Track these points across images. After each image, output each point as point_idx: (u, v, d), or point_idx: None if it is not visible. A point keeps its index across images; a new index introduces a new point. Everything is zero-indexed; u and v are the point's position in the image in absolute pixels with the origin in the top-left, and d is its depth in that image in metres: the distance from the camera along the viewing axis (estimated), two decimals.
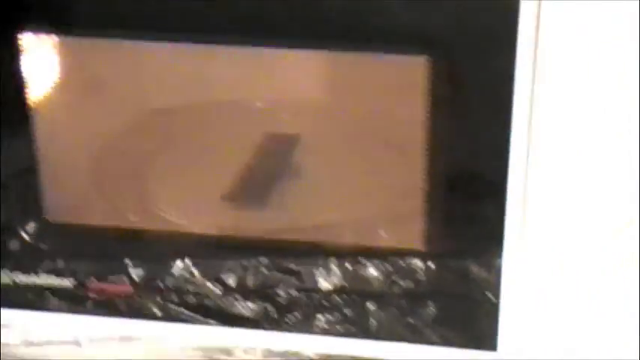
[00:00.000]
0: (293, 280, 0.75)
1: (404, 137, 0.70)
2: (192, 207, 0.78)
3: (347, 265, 0.74)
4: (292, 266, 0.75)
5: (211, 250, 0.76)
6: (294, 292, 0.75)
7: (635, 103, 0.64)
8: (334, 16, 0.66)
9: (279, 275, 0.75)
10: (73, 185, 0.78)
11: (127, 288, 0.77)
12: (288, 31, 0.68)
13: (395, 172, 0.73)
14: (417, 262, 0.72)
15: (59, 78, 0.75)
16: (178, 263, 0.76)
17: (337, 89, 0.72)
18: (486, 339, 0.73)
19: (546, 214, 0.69)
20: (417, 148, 0.69)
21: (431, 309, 0.73)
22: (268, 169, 0.77)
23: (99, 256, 0.77)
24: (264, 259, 0.75)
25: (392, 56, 0.67)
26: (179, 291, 0.77)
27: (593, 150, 0.66)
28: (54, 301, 0.78)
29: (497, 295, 0.71)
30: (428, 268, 0.72)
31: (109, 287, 0.77)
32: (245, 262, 0.75)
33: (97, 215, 0.78)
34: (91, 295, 0.77)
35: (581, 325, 0.71)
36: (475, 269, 0.71)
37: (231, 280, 0.76)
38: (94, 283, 0.77)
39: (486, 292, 0.72)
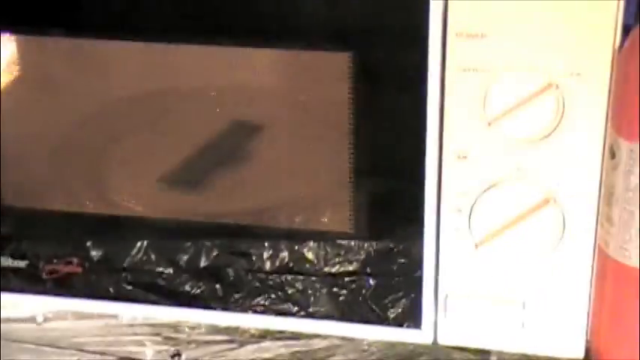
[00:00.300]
0: (241, 261, 0.78)
1: (332, 124, 0.74)
2: (145, 193, 0.81)
3: (287, 246, 0.77)
4: (241, 248, 0.78)
5: (166, 233, 0.79)
6: (241, 273, 0.78)
7: None
8: (269, 18, 0.71)
9: (228, 257, 0.78)
10: (31, 172, 0.81)
11: (78, 268, 0.81)
12: (230, 31, 0.72)
13: (325, 159, 0.76)
14: (348, 244, 0.76)
15: (14, 74, 0.78)
16: (133, 246, 0.79)
17: (277, 81, 0.76)
18: (412, 318, 0.77)
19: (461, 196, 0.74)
20: (344, 135, 0.73)
21: (363, 288, 0.77)
22: (213, 155, 0.78)
23: (54, 239, 0.81)
24: (215, 242, 0.78)
25: (319, 52, 0.72)
26: (133, 272, 0.79)
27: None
28: (14, 281, 0.81)
29: (420, 274, 0.75)
30: (358, 248, 0.77)
31: (62, 268, 0.81)
32: (198, 245, 0.78)
33: (55, 201, 0.81)
34: (46, 275, 0.81)
35: (506, 312, 0.75)
36: (399, 249, 0.75)
37: (183, 262, 0.79)
38: (48, 265, 0.81)
39: (410, 272, 0.75)
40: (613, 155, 0.70)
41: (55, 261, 0.81)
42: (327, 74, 0.73)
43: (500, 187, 0.72)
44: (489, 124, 0.71)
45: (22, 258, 0.81)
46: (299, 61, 0.74)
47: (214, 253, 0.79)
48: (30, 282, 0.82)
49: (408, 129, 0.72)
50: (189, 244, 0.79)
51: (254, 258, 0.78)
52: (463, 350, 0.78)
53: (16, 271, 0.81)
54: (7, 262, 0.81)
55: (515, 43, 0.68)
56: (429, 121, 0.71)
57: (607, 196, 0.71)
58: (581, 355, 0.75)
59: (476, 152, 0.72)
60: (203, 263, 0.79)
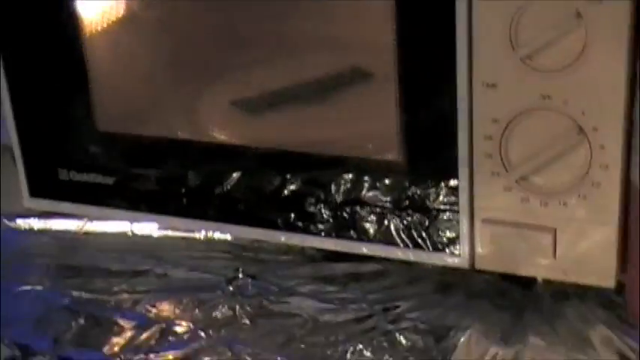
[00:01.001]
0: (317, 191, 0.81)
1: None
2: (233, 122, 0.85)
3: (347, 176, 0.80)
4: (318, 178, 0.81)
5: (255, 163, 0.83)
6: (313, 201, 0.81)
7: None
8: None
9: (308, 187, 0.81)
10: (124, 99, 0.86)
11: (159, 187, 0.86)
12: None
13: (375, 94, 0.80)
14: (397, 174, 0.78)
15: (109, 13, 0.84)
16: (221, 173, 0.83)
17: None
18: (451, 244, 0.79)
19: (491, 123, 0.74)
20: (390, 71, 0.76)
21: (408, 217, 0.80)
22: (297, 90, 0.83)
23: (145, 163, 0.85)
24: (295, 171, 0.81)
25: None
26: (219, 196, 0.83)
27: None
28: (103, 196, 0.88)
29: (456, 201, 0.77)
30: (404, 177, 0.79)
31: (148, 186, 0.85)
32: (283, 175, 0.81)
33: (148, 127, 0.86)
34: (133, 194, 0.86)
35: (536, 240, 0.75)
36: (439, 178, 0.77)
37: (269, 191, 0.82)
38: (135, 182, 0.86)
39: (449, 200, 0.77)
40: None
41: (143, 181, 0.86)
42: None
43: (528, 115, 0.73)
44: (516, 52, 0.71)
45: (112, 174, 0.87)
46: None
47: (294, 184, 0.82)
48: (118, 198, 0.88)
49: (441, 59, 0.73)
50: (273, 173, 0.82)
51: (329, 188, 0.81)
52: (502, 277, 0.80)
53: (104, 187, 0.87)
54: (98, 178, 0.87)
55: None
56: (458, 49, 0.72)
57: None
58: (612, 284, 0.75)
59: (504, 80, 0.72)
60: (284, 193, 0.82)
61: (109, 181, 0.87)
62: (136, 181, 0.87)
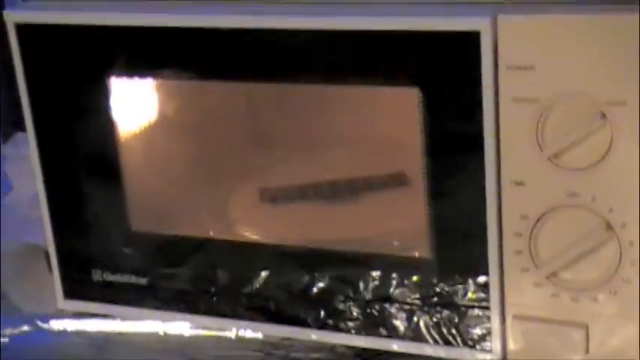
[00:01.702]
0: (345, 288, 0.81)
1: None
2: (264, 222, 0.87)
3: (379, 274, 0.80)
4: (346, 276, 0.81)
5: (284, 261, 0.83)
6: (342, 298, 0.81)
7: None
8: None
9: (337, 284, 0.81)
10: (156, 200, 0.88)
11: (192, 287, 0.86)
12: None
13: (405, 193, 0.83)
14: (426, 271, 0.78)
15: (143, 117, 0.87)
16: (252, 271, 0.83)
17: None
18: (482, 339, 0.78)
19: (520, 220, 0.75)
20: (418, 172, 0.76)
21: (438, 313, 0.79)
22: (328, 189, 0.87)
23: (177, 263, 0.86)
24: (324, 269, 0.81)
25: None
26: (249, 296, 0.83)
27: None
28: (133, 295, 0.88)
29: (487, 297, 0.77)
30: (434, 274, 0.79)
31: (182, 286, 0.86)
32: (311, 273, 0.81)
33: (180, 228, 0.87)
34: (165, 294, 0.86)
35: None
36: (469, 275, 0.77)
37: (298, 289, 0.82)
38: (168, 282, 0.86)
39: (480, 297, 0.77)
40: None
41: (174, 280, 0.87)
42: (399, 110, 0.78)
43: (556, 212, 0.73)
44: (543, 151, 0.72)
45: (145, 275, 0.87)
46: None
47: (323, 281, 0.82)
48: (150, 298, 0.88)
49: (470, 157, 0.74)
50: (302, 271, 0.82)
51: (358, 285, 0.81)
52: None
53: (137, 287, 0.87)
54: (132, 279, 0.88)
55: (562, 73, 0.70)
56: (485, 148, 0.73)
57: None
58: None
59: (532, 178, 0.73)
60: (313, 290, 0.82)
61: (142, 281, 0.87)
62: (168, 281, 0.87)
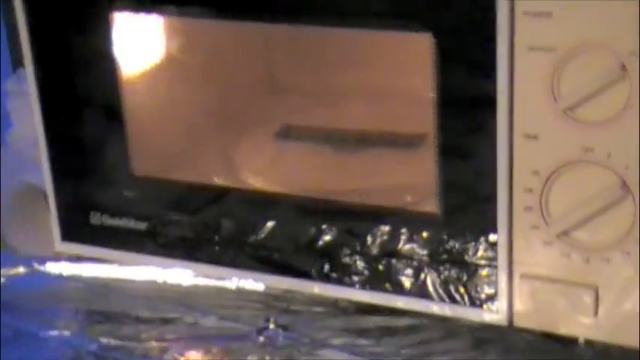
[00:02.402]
0: (352, 242, 0.81)
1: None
2: (269, 170, 0.88)
3: (386, 228, 0.81)
4: (354, 229, 0.81)
5: (291, 211, 0.83)
6: (349, 253, 0.81)
7: None
8: None
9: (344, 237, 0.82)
10: (160, 143, 0.88)
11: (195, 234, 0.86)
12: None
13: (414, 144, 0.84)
14: (435, 227, 0.79)
15: (147, 57, 0.87)
16: (257, 222, 0.83)
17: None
18: (489, 300, 0.78)
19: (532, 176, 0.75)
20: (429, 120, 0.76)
21: (445, 271, 0.79)
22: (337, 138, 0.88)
23: (179, 208, 0.86)
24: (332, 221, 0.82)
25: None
26: (253, 246, 0.84)
27: None
28: (136, 242, 0.89)
29: (495, 256, 0.77)
30: (443, 231, 0.79)
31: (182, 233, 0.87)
32: (318, 225, 0.82)
33: (183, 172, 0.88)
34: (165, 239, 0.87)
35: None
36: (476, 232, 0.77)
37: (304, 241, 0.83)
38: (168, 228, 0.87)
39: (487, 255, 0.77)
40: None
41: (176, 227, 0.87)
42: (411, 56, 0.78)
43: (570, 168, 0.73)
44: (558, 103, 0.72)
45: (145, 220, 0.87)
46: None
47: (329, 234, 0.82)
48: (150, 244, 0.88)
49: (481, 109, 0.74)
50: (308, 222, 0.82)
51: (365, 239, 0.81)
52: (542, 335, 0.78)
53: (137, 232, 0.88)
54: (131, 223, 0.88)
55: (581, 22, 0.69)
56: (498, 100, 0.73)
57: None
58: None
59: (545, 132, 0.73)
60: (319, 243, 0.83)
61: (142, 226, 0.88)
62: (169, 228, 0.88)
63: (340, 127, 0.90)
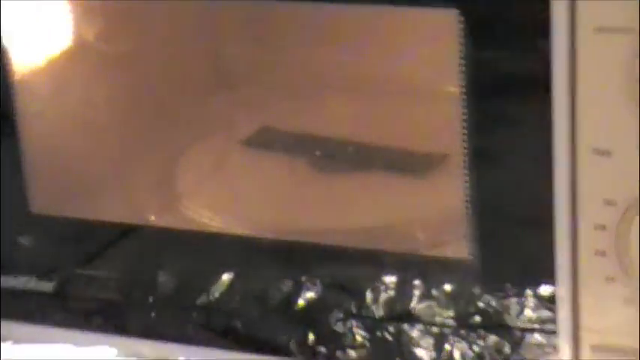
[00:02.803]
0: (346, 300, 0.80)
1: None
2: (227, 202, 0.88)
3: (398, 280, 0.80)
4: (348, 283, 0.80)
5: (255, 258, 0.83)
6: (340, 316, 0.81)
7: None
8: None
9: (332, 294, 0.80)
10: (67, 173, 0.88)
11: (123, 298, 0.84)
12: None
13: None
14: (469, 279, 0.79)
15: (50, 48, 0.86)
16: (210, 274, 0.83)
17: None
18: None
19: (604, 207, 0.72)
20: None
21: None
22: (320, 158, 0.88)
23: (98, 259, 0.86)
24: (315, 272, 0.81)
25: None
26: (205, 310, 0.84)
27: None
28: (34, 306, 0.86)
29: (554, 316, 0.76)
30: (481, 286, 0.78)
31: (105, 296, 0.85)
32: (296, 277, 0.81)
33: (104, 210, 0.87)
34: (79, 304, 0.86)
35: None
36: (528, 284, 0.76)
37: (276, 301, 0.82)
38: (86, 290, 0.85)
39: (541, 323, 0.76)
40: None
41: (94, 286, 0.86)
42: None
43: None
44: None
45: (51, 278, 0.86)
46: None
47: (315, 290, 0.81)
48: (59, 310, 0.87)
49: (531, 115, 0.72)
50: (282, 274, 0.82)
51: (364, 296, 0.80)
52: None
53: (41, 295, 0.86)
54: (31, 283, 0.86)
55: None
56: (555, 101, 0.70)
57: None
58: None
59: (622, 147, 0.70)
60: (298, 302, 0.82)
61: (47, 286, 0.86)
62: (85, 287, 0.86)
63: (323, 135, 0.88)
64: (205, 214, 0.88)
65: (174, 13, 0.86)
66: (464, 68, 0.73)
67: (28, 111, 0.84)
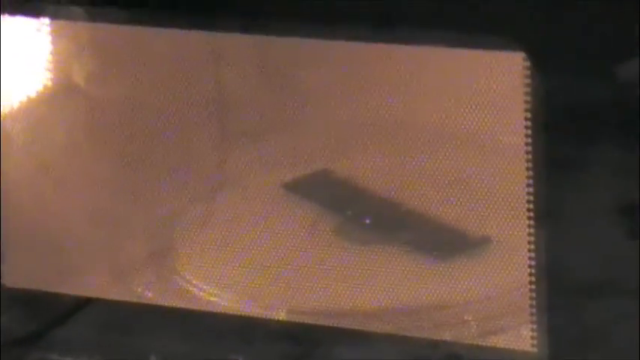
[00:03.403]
0: None
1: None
2: (232, 277, 0.84)
3: None
4: None
5: (264, 345, 0.81)
6: None
7: None
8: None
9: None
10: (44, 239, 0.85)
11: None
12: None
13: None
14: None
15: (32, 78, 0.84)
16: None
17: None
18: None
19: None
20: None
21: None
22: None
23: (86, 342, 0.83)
24: None
25: None
26: None
27: None
28: None
29: None
30: None
31: None
32: None
33: (91, 286, 0.85)
34: None
35: None
36: None
37: None
38: None
39: None
40: None
41: None
42: None
43: None
44: None
45: None
46: None
47: None
48: None
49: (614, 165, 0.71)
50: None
51: None
52: None
53: None
54: None
55: None
56: None
57: None
58: None
59: None
60: None
61: None
62: None
63: (355, 193, 0.86)
64: (202, 285, 0.86)
65: (174, 53, 0.85)
66: (531, 113, 0.73)
67: (6, 164, 0.84)
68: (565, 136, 0.72)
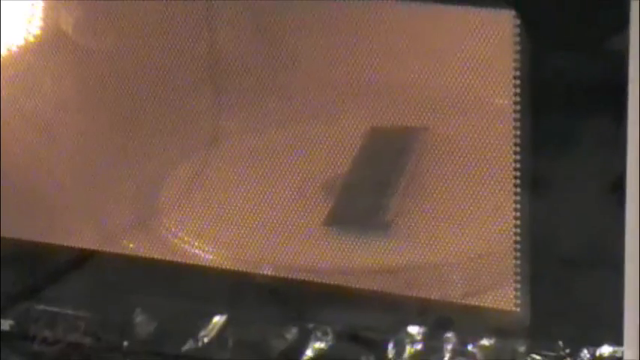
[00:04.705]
0: (362, 354, 0.79)
1: None
2: (221, 231, 0.86)
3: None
4: (363, 332, 0.80)
5: (251, 300, 0.82)
6: None
7: None
8: None
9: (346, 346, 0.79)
10: (41, 194, 0.89)
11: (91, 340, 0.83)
12: None
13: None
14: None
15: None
16: (198, 318, 0.82)
17: None
18: None
19: None
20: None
21: None
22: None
23: (67, 294, 0.86)
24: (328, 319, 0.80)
25: None
26: (193, 357, 0.82)
27: None
28: None
29: None
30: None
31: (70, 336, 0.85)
32: (301, 325, 0.80)
33: (78, 237, 0.87)
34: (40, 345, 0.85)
35: None
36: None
37: (274, 350, 0.81)
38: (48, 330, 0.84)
39: None
40: None
41: (59, 327, 0.85)
42: None
43: None
44: None
45: (9, 315, 0.86)
46: None
47: (325, 340, 0.80)
48: (16, 354, 0.85)
49: (600, 130, 0.72)
50: (285, 320, 0.81)
51: (384, 351, 0.79)
52: None
53: None
54: None
55: None
56: (629, 112, 0.70)
57: None
58: None
59: None
60: (304, 354, 0.80)
61: (4, 325, 0.86)
62: (47, 327, 0.86)
63: (336, 148, 0.86)
64: (191, 241, 0.87)
65: (167, 12, 0.86)
66: (519, 73, 0.74)
67: None
68: (555, 100, 0.74)
